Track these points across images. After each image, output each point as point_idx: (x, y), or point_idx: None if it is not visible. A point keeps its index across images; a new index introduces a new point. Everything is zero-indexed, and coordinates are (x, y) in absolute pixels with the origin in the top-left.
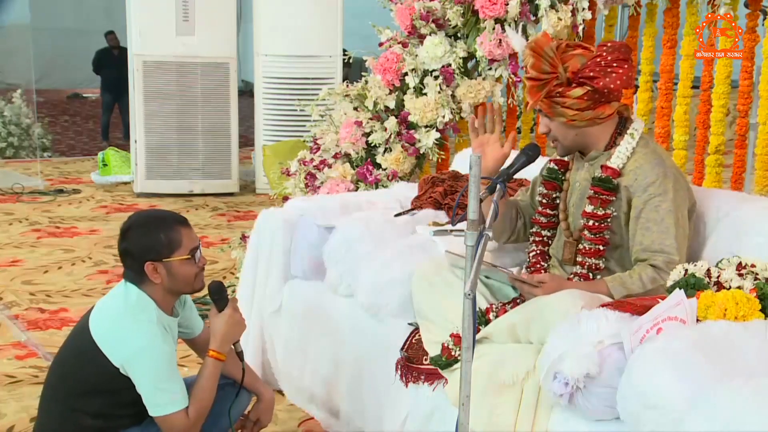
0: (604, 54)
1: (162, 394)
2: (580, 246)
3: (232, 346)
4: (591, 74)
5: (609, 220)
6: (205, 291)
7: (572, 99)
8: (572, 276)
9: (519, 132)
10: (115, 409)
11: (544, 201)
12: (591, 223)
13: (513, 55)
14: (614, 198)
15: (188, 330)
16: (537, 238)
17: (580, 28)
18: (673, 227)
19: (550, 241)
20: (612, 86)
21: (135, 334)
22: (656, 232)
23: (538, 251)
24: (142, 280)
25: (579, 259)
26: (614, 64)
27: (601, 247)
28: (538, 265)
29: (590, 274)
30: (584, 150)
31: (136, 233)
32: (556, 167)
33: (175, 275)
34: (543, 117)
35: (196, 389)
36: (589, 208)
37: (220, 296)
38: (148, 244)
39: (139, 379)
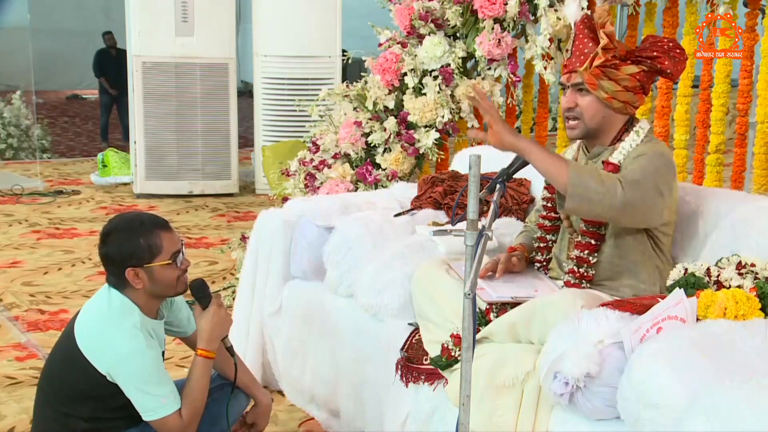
0: (665, 41)
1: (152, 398)
2: (576, 239)
3: (222, 342)
4: (654, 54)
5: None
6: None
7: (624, 74)
8: (567, 273)
9: (519, 131)
10: (107, 413)
11: (548, 205)
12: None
13: (512, 55)
14: None
15: (180, 329)
16: (542, 244)
17: None
18: (639, 173)
19: (553, 245)
20: (674, 70)
21: (119, 341)
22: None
23: (543, 259)
24: (124, 285)
25: (570, 252)
26: (677, 50)
27: (593, 242)
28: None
29: (579, 269)
30: (595, 139)
31: (116, 239)
32: None
33: (157, 280)
34: (574, 92)
35: (188, 389)
36: None
37: (202, 294)
38: (129, 250)
39: (126, 385)
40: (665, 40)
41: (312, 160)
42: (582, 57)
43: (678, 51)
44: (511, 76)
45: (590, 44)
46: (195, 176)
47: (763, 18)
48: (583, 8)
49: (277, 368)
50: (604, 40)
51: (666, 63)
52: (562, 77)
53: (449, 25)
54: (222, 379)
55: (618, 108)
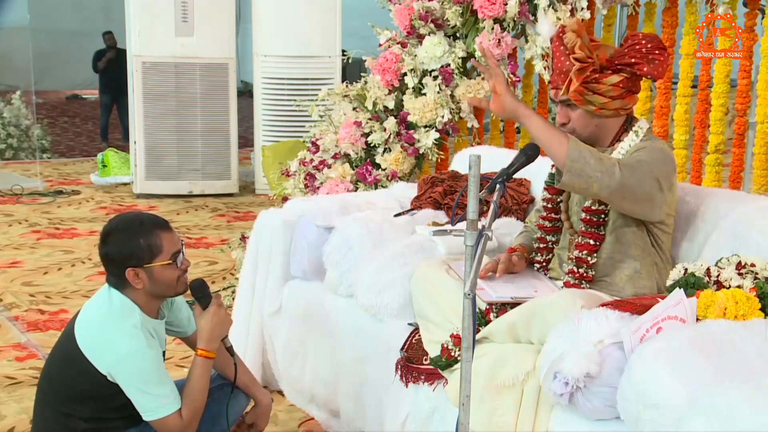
0: (644, 42)
1: (152, 398)
2: (576, 240)
3: (222, 342)
4: (632, 61)
5: (604, 216)
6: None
7: (607, 86)
8: (567, 274)
9: (518, 132)
10: (107, 413)
11: (548, 206)
12: (588, 217)
13: (512, 55)
14: None
15: (180, 329)
16: (542, 245)
17: None
18: (636, 161)
19: (554, 246)
20: (655, 73)
21: (120, 341)
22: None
23: (543, 260)
24: (124, 285)
25: (570, 253)
26: (656, 52)
27: (593, 242)
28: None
29: (579, 270)
30: (594, 143)
31: (116, 239)
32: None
33: (157, 280)
34: (564, 107)
35: (188, 389)
36: (587, 203)
37: (202, 294)
38: (129, 250)
39: (126, 385)
40: (644, 42)
41: (312, 160)
42: (562, 75)
43: (657, 52)
44: (511, 76)
45: (567, 62)
46: (195, 176)
47: (762, 18)
48: (575, 15)
49: (277, 368)
50: (576, 65)
51: (645, 69)
52: (551, 93)
53: (449, 25)
54: (222, 379)
55: (610, 115)
